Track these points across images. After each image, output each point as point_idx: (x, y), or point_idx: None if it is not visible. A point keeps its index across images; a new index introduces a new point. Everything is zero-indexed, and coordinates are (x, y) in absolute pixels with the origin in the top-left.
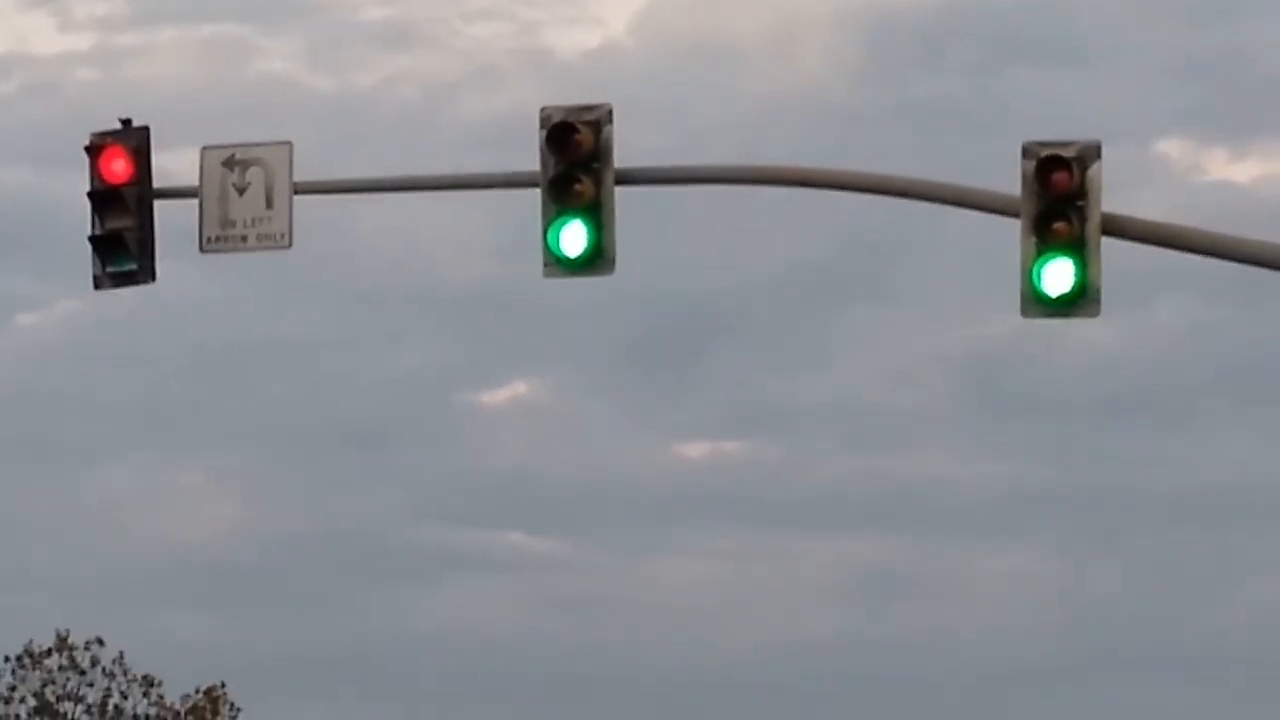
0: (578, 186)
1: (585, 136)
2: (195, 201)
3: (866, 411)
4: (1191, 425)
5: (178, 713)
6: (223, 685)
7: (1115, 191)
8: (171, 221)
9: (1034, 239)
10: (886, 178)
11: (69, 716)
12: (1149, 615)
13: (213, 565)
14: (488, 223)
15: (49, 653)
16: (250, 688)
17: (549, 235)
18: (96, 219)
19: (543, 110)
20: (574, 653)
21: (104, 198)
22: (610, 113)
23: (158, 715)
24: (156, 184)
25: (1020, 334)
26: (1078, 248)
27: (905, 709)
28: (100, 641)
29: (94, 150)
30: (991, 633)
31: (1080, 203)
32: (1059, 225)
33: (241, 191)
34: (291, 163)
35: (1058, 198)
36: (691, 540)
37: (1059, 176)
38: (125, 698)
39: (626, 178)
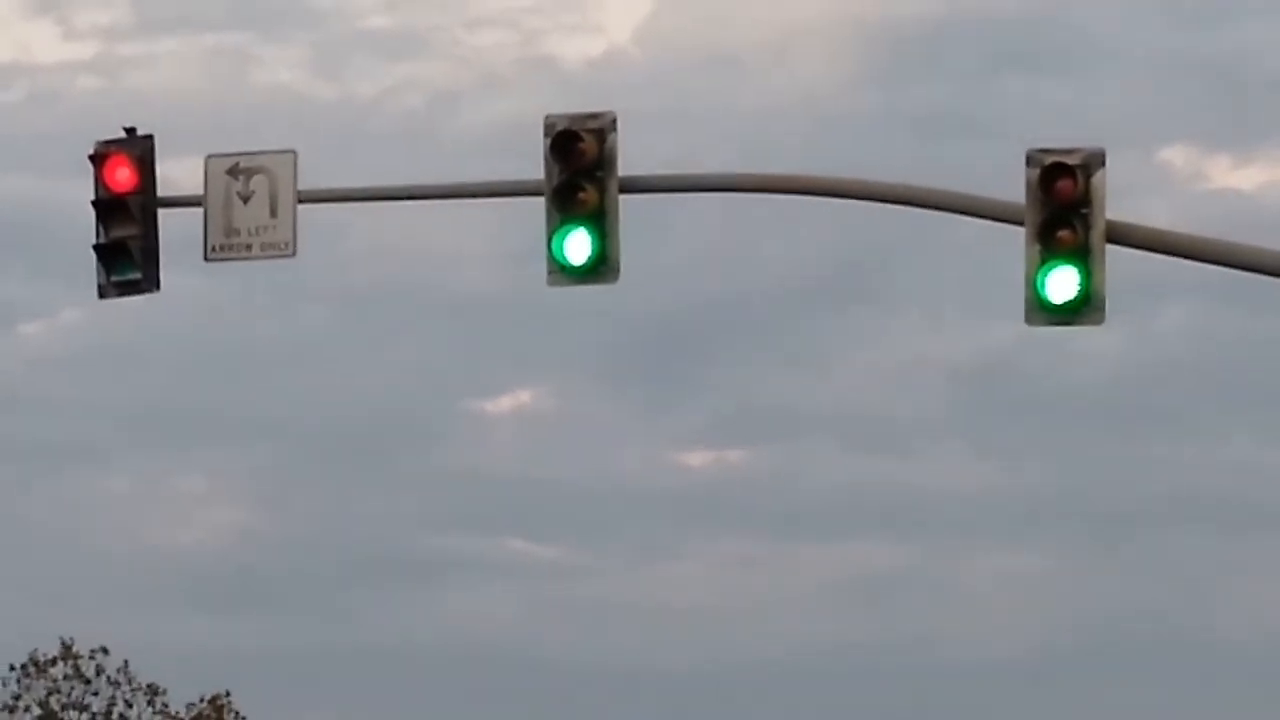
0: (582, 195)
1: (589, 145)
2: (199, 210)
3: (870, 418)
4: (1195, 431)
5: None
6: (227, 694)
7: (1118, 199)
8: (174, 229)
9: (1038, 247)
10: (890, 185)
11: None
12: (1152, 620)
13: (216, 572)
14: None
15: (54, 661)
16: (255, 695)
17: (553, 243)
18: (101, 228)
19: (547, 118)
20: (577, 659)
21: (108, 206)
22: (614, 121)
23: None
24: (161, 193)
25: (1023, 341)
26: (1082, 255)
27: (908, 713)
28: (105, 650)
29: (98, 159)
30: (994, 637)
31: (1084, 210)
32: (1063, 233)
33: (246, 200)
34: (296, 171)
35: (1062, 205)
36: (694, 546)
37: (1063, 184)
38: (130, 706)
39: (631, 186)
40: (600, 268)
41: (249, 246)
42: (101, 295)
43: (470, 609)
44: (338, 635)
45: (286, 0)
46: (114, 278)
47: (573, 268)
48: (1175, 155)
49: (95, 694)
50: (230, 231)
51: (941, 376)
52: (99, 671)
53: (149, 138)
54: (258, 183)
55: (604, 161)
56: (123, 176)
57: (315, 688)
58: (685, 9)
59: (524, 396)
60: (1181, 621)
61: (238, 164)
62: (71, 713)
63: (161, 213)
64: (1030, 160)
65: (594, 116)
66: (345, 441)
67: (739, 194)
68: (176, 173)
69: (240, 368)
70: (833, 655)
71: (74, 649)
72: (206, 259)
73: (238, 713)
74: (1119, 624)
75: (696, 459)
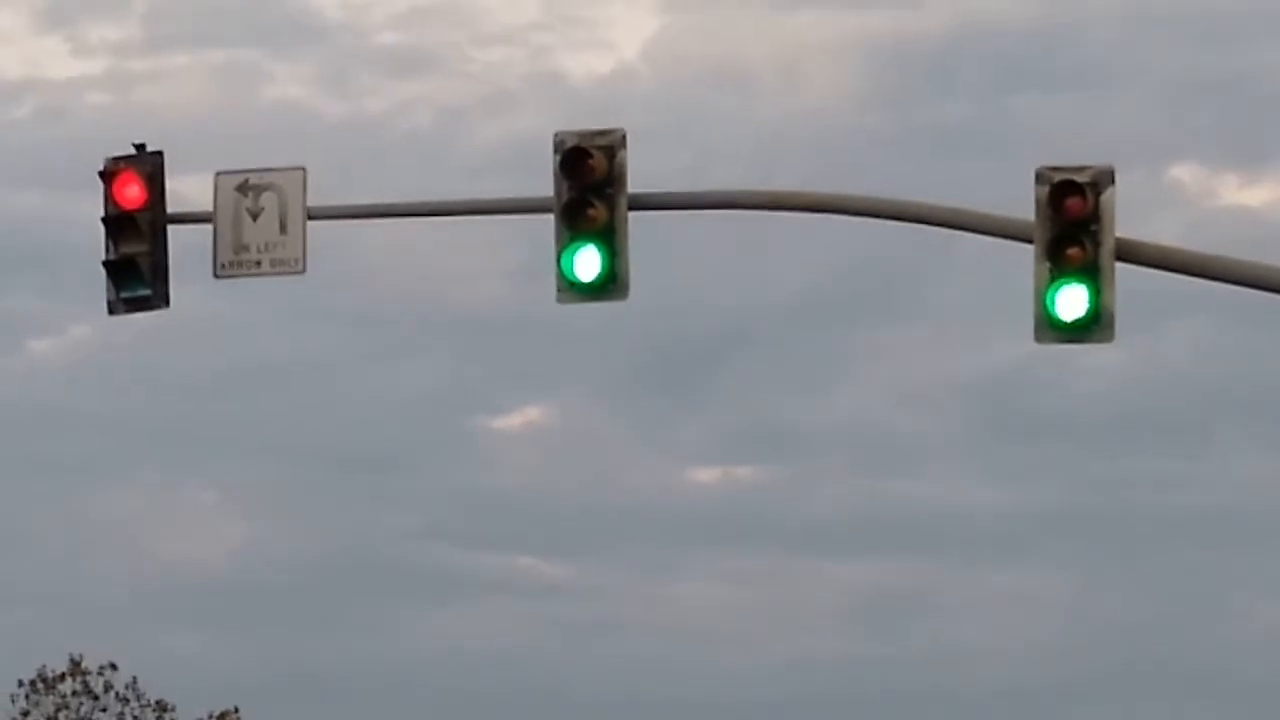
0: (591, 211)
1: (599, 161)
2: (209, 226)
3: (878, 435)
4: (1204, 449)
5: None
6: (236, 710)
7: (1127, 216)
8: (184, 246)
9: (1047, 264)
10: (900, 202)
11: None
12: (1160, 636)
13: (224, 588)
14: (501, 247)
15: (62, 677)
16: (264, 712)
17: (563, 260)
18: (110, 244)
19: (556, 135)
20: (585, 675)
21: (118, 223)
22: (624, 137)
23: None
24: (170, 209)
25: (1033, 358)
26: (1091, 273)
27: None
28: (113, 666)
29: (108, 175)
30: (1002, 654)
31: (1094, 228)
32: (1072, 250)
33: (255, 217)
34: (305, 188)
35: (1071, 223)
36: (703, 563)
37: (1073, 202)
38: None
39: (640, 203)
40: (609, 284)
41: (258, 263)
42: (111, 311)
43: (479, 626)
44: (346, 652)
45: (296, 17)
46: (123, 294)
47: (582, 284)
48: (1184, 173)
49: (104, 710)
50: (240, 248)
51: (952, 394)
52: (107, 688)
53: (159, 154)
54: (267, 199)
55: (613, 178)
56: (132, 193)
57: (324, 704)
58: (694, 26)
59: (533, 413)
60: (1194, 638)
61: (247, 180)
62: None
63: (171, 229)
64: (1040, 178)
65: (603, 133)
66: (354, 458)
67: (748, 211)
68: (186, 189)
69: (249, 384)
70: (843, 674)
71: (83, 665)
72: (216, 275)
73: None
74: (1130, 641)
75: (706, 476)
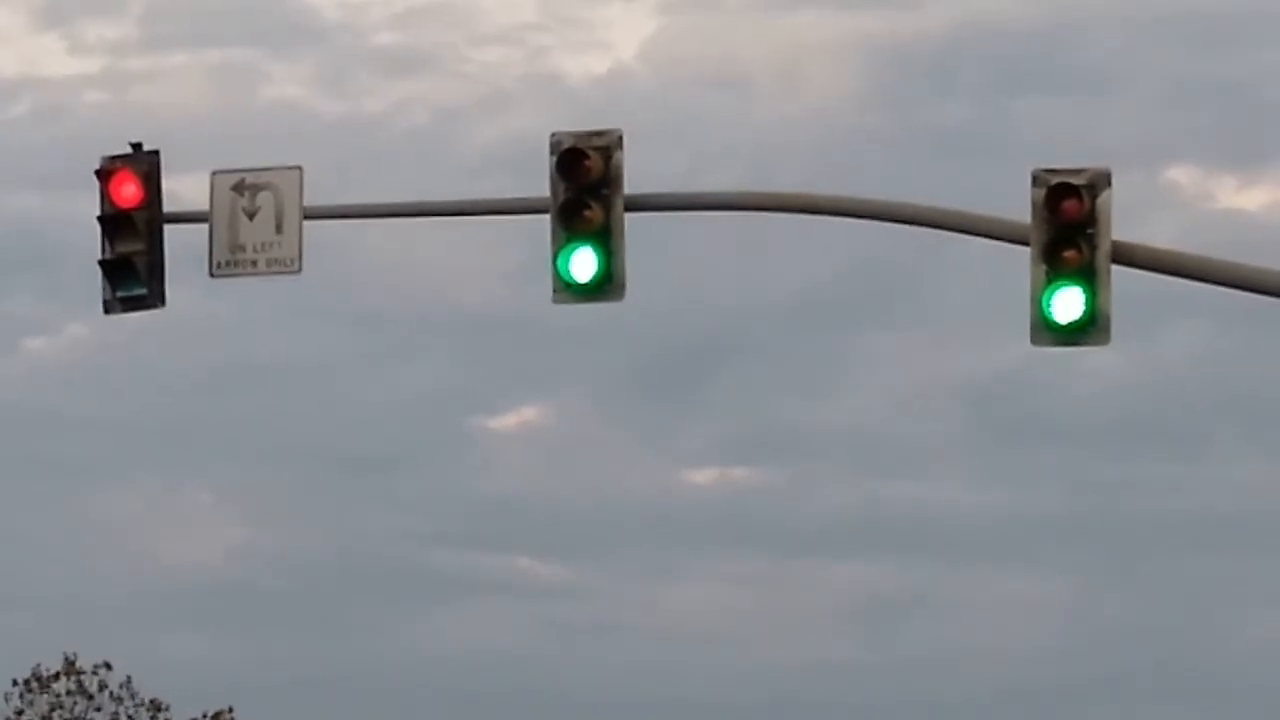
0: (587, 212)
1: (595, 162)
2: (205, 226)
3: (876, 437)
4: (1201, 452)
5: None
6: (230, 710)
7: (1123, 219)
8: (180, 245)
9: (1044, 266)
10: (896, 204)
11: None
12: (1159, 642)
13: (220, 589)
14: (497, 247)
15: (56, 677)
16: (258, 713)
17: (558, 261)
18: (106, 243)
19: (553, 136)
20: (582, 677)
21: (114, 222)
22: (620, 138)
23: None
24: (167, 208)
25: (1029, 361)
26: (1088, 275)
27: None
28: (108, 666)
29: (104, 174)
30: (1001, 658)
31: (1090, 230)
32: (1069, 253)
33: (251, 216)
34: (302, 188)
35: (1068, 225)
36: (700, 565)
37: (1069, 204)
38: None
39: (636, 204)
40: (605, 285)
41: (254, 263)
42: (107, 311)
43: (476, 628)
44: (342, 653)
45: (294, 17)
46: (119, 293)
47: (578, 285)
48: (1181, 175)
49: (98, 710)
50: (236, 248)
51: (949, 396)
52: (102, 687)
53: (155, 153)
54: (264, 199)
55: (610, 179)
56: (129, 192)
57: (319, 706)
58: (692, 26)
59: (530, 414)
60: (1193, 644)
61: (243, 180)
62: None
63: (167, 228)
64: (1036, 180)
65: (600, 134)
66: (351, 459)
67: (745, 212)
68: (182, 188)
69: (245, 384)
70: (841, 677)
71: (77, 664)
72: (212, 275)
73: None
74: (1129, 644)
75: (704, 478)
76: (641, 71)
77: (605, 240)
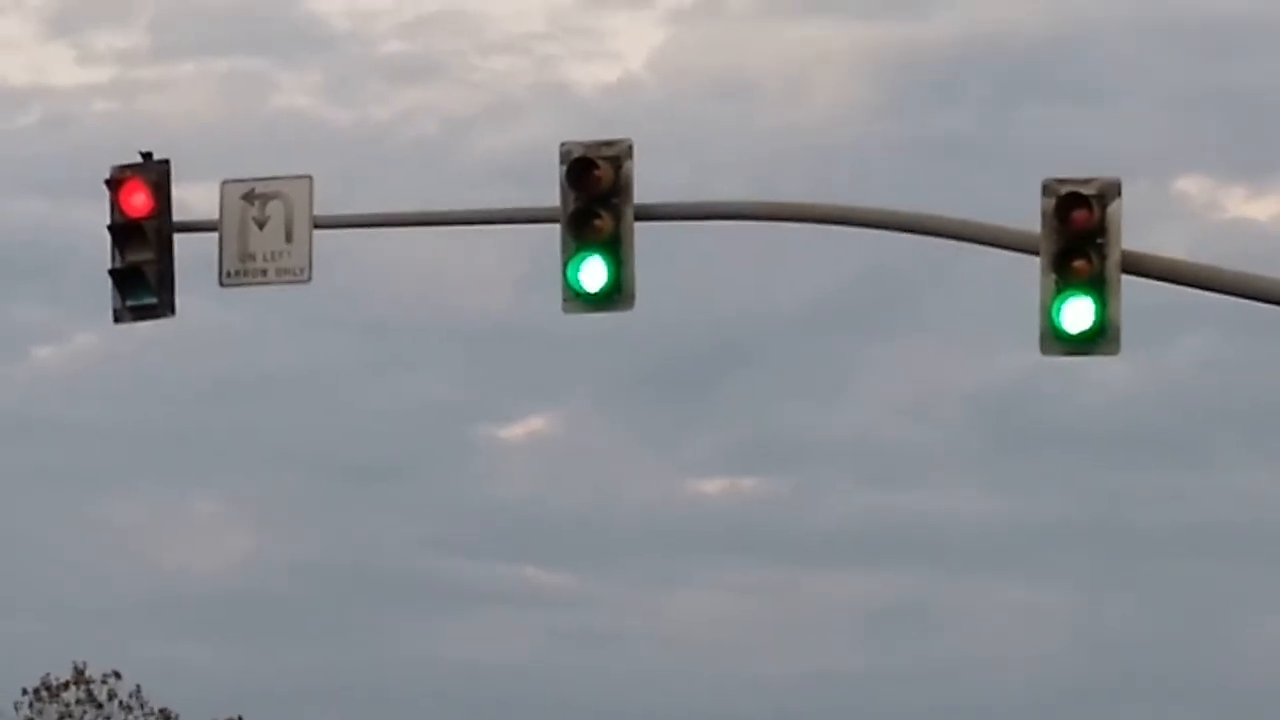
0: (597, 222)
1: (605, 172)
2: (215, 235)
3: (884, 446)
4: (1209, 462)
5: None
6: (239, 718)
7: (1133, 229)
8: (190, 254)
9: (1053, 276)
10: (906, 214)
11: None
12: (1165, 650)
13: (228, 597)
14: (506, 257)
15: (66, 686)
16: None
17: (568, 270)
18: (116, 252)
19: (563, 145)
20: (588, 686)
21: (124, 231)
22: (630, 148)
23: None
24: (176, 218)
25: (1038, 370)
26: (1097, 285)
27: None
28: (117, 675)
29: (114, 184)
30: (1007, 667)
31: (1100, 240)
32: (1079, 263)
33: (261, 225)
34: (311, 197)
35: (1077, 235)
36: (707, 574)
37: (1079, 214)
38: None
39: (646, 213)
40: (615, 295)
41: (264, 272)
42: (117, 320)
43: (483, 636)
44: (350, 661)
45: (303, 26)
46: (129, 302)
47: (588, 294)
48: (1191, 186)
49: (108, 719)
50: (246, 257)
51: (957, 406)
52: (111, 696)
53: (165, 162)
54: (273, 208)
55: (619, 188)
56: (138, 201)
57: (326, 714)
58: (700, 36)
59: (537, 423)
60: (1198, 652)
61: (253, 189)
62: None
63: (177, 238)
64: (1046, 190)
65: (610, 144)
66: (358, 467)
67: (754, 222)
68: (192, 198)
69: (254, 393)
70: (847, 686)
71: (86, 673)
72: (222, 284)
73: None
74: (1133, 653)
75: (710, 487)
76: (650, 81)
77: (615, 250)
